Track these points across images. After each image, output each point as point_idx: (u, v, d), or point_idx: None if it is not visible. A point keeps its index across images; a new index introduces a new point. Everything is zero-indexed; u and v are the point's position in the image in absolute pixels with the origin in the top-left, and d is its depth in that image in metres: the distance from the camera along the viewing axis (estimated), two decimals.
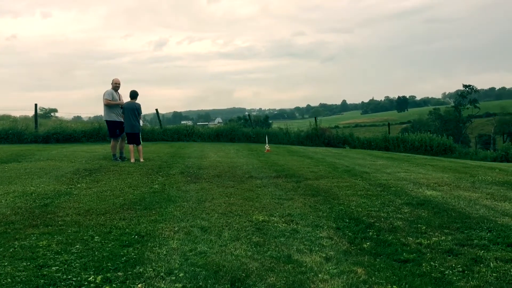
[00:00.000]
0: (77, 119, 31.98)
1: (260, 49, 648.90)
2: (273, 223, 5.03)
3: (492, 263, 3.83)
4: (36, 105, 19.15)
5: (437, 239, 4.49)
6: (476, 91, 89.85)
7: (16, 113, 26.38)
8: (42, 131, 17.89)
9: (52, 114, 38.69)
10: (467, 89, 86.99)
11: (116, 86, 10.82)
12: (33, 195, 6.43)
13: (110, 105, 10.60)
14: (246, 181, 7.91)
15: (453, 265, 3.78)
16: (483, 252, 4.09)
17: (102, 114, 11.10)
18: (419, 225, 4.99)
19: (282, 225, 4.95)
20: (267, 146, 15.26)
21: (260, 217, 5.27)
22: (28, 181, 7.57)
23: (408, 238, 4.53)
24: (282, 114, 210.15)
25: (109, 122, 10.75)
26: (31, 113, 19.80)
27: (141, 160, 10.62)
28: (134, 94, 10.72)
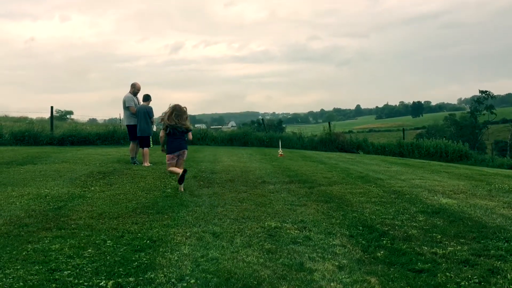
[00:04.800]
0: (93, 121, 32.42)
1: (275, 53, 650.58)
2: (285, 230, 4.98)
3: (510, 274, 3.73)
4: (52, 107, 19.38)
5: (452, 248, 4.40)
6: (493, 97, 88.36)
7: (33, 115, 26.89)
8: (58, 134, 18.11)
9: (68, 116, 39.27)
10: (483, 94, 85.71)
11: (136, 91, 11.13)
12: (47, 197, 6.48)
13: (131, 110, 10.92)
14: (258, 186, 7.88)
15: (469, 276, 3.70)
16: (500, 263, 4.00)
17: (118, 116, 11.34)
18: (434, 234, 4.90)
19: (294, 232, 4.91)
20: (280, 151, 15.22)
21: (273, 223, 5.23)
22: (42, 184, 7.64)
23: (423, 247, 4.45)
24: (296, 119, 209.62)
25: (129, 126, 11.04)
26: (47, 115, 20.03)
27: (145, 164, 10.50)
28: (146, 98, 10.86)
